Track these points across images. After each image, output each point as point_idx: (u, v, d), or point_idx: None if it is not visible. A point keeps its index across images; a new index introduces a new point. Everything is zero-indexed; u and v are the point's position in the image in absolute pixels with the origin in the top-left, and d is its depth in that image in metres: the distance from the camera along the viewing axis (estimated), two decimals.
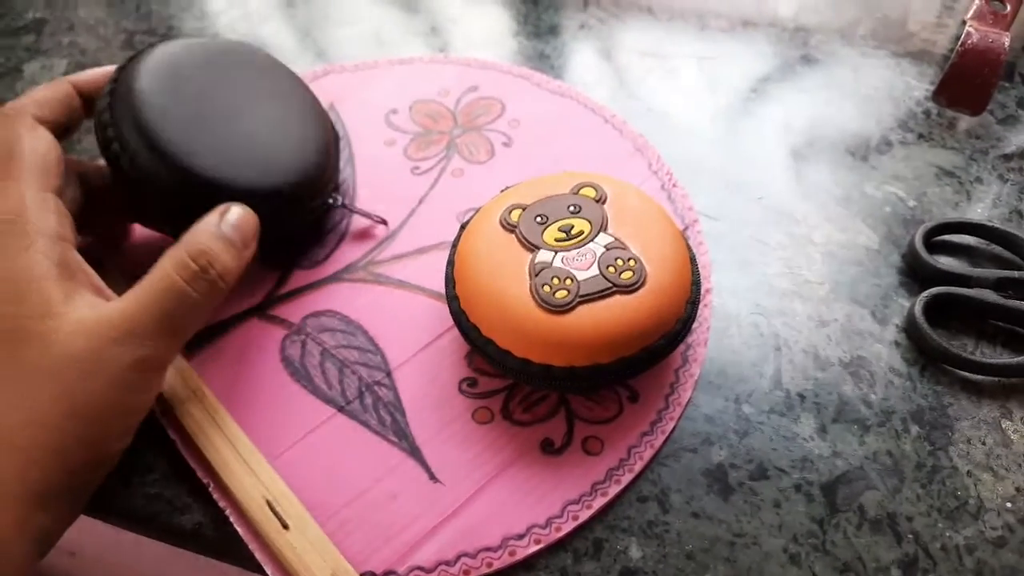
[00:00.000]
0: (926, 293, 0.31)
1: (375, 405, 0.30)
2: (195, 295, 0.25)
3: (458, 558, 0.26)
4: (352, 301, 0.32)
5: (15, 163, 0.25)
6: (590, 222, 0.28)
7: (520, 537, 0.26)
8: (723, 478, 0.28)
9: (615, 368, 0.26)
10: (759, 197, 0.36)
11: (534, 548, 0.26)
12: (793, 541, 0.27)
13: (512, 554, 0.26)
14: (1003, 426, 0.29)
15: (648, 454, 0.28)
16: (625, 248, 0.28)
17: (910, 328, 0.31)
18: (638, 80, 0.42)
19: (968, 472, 0.28)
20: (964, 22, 0.39)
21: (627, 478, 0.28)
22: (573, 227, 0.28)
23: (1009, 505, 0.27)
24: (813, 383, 0.30)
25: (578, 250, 0.28)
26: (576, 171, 0.31)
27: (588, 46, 0.43)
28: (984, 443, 0.29)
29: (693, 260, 0.29)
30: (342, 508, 0.27)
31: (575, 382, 0.27)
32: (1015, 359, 0.30)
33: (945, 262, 0.34)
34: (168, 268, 0.25)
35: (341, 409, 0.30)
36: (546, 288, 0.26)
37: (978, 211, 0.36)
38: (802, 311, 0.32)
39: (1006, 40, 0.37)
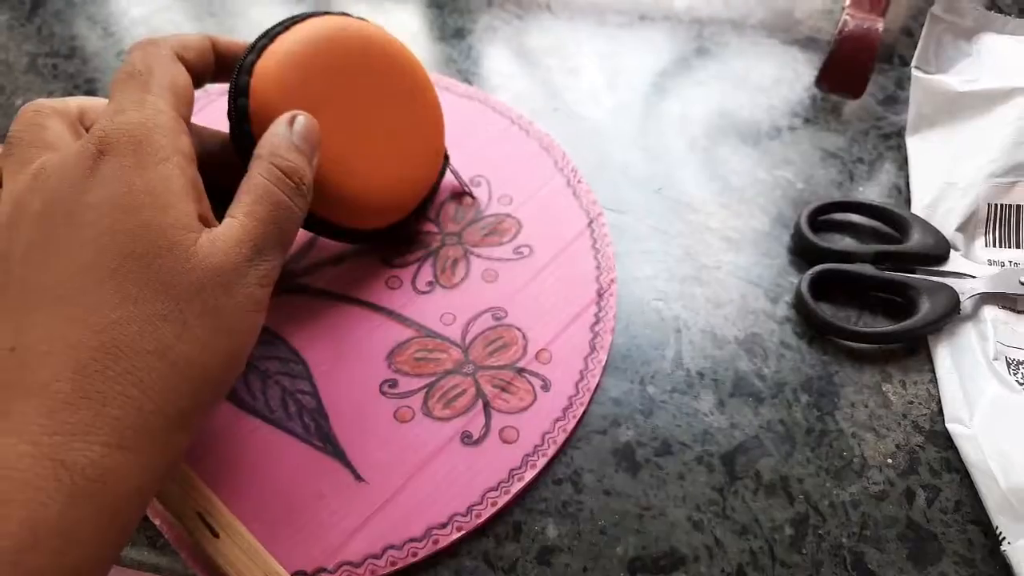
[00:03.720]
0: (810, 271, 0.34)
1: (299, 413, 0.31)
2: (296, 210, 0.26)
3: (384, 550, 0.28)
4: (273, 313, 0.33)
5: (155, 81, 0.25)
6: None
7: (443, 526, 0.28)
8: (631, 456, 0.30)
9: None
10: (658, 188, 0.38)
11: (456, 535, 0.28)
12: (696, 509, 0.29)
13: (436, 543, 0.28)
14: (883, 389, 0.32)
15: (561, 438, 0.30)
16: None
17: (798, 304, 0.34)
18: (543, 80, 0.43)
19: (853, 434, 0.31)
20: (843, 9, 0.41)
21: (542, 462, 0.30)
22: None
23: (890, 461, 0.30)
24: (711, 361, 0.33)
25: None
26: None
27: (493, 48, 0.45)
28: (867, 406, 0.32)
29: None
30: (272, 513, 0.28)
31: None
32: (892, 327, 0.33)
33: (829, 240, 0.36)
34: (269, 185, 0.25)
35: (266, 419, 0.31)
36: None
37: (860, 190, 0.39)
38: (700, 294, 0.35)
39: (880, 25, 0.40)
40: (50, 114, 0.26)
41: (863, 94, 0.41)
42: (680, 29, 0.46)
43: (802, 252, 0.36)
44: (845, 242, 0.36)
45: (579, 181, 0.38)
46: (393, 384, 0.31)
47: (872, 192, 0.38)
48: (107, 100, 0.26)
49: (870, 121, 0.41)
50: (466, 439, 0.30)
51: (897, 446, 0.30)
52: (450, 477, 0.29)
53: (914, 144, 0.39)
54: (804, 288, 0.33)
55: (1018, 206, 0.35)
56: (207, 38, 0.29)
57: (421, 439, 0.30)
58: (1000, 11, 0.45)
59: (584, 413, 0.31)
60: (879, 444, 0.31)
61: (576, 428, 0.31)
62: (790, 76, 0.43)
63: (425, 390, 0.31)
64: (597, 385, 0.32)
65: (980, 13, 0.40)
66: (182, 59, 0.28)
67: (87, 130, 0.27)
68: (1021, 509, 0.27)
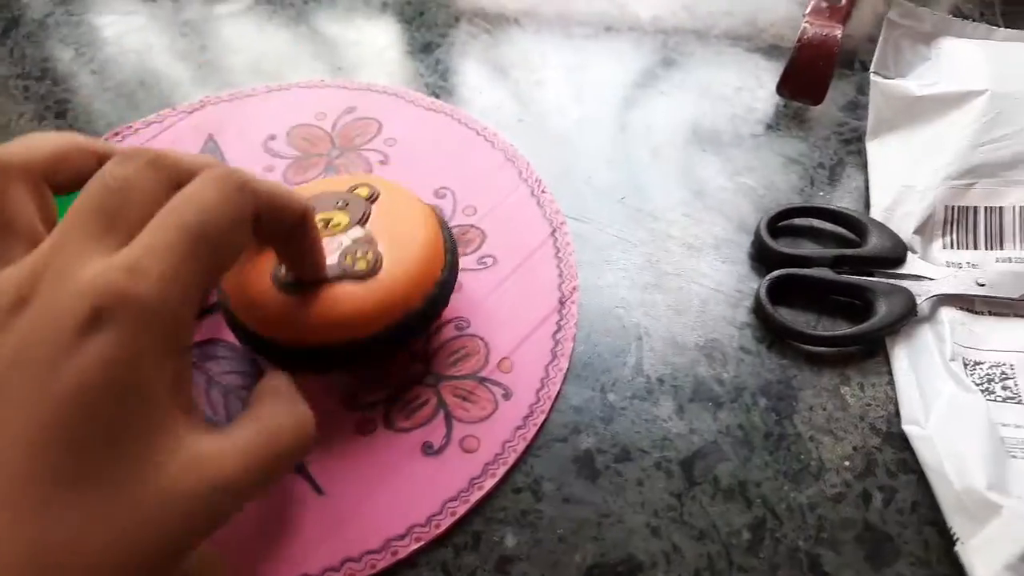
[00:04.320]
0: (769, 276, 0.34)
1: None
2: (290, 465, 0.24)
3: (343, 563, 0.28)
4: None
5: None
6: (351, 216, 0.30)
7: (401, 537, 0.28)
8: (591, 463, 0.30)
9: (346, 349, 0.28)
10: (622, 197, 0.39)
11: (415, 546, 0.28)
12: (654, 515, 0.29)
13: (394, 554, 0.28)
14: (841, 392, 0.32)
15: (521, 447, 0.30)
16: (372, 242, 0.30)
17: (757, 309, 0.34)
18: (509, 92, 0.43)
19: (810, 437, 0.31)
20: (804, 17, 0.42)
21: (502, 471, 0.30)
22: (332, 219, 0.30)
23: (847, 463, 0.30)
24: (672, 368, 0.33)
25: (328, 239, 0.29)
26: (371, 176, 0.33)
27: (461, 62, 0.45)
28: (825, 409, 0.32)
29: (449, 260, 0.31)
30: (232, 527, 0.28)
31: (313, 361, 0.29)
32: (849, 330, 0.33)
33: (790, 245, 0.37)
34: (285, 429, 0.23)
35: None
36: (283, 271, 0.28)
37: (821, 195, 0.39)
38: (662, 301, 0.35)
39: (839, 33, 0.40)
40: (14, 178, 0.21)
41: (824, 100, 0.41)
42: (645, 40, 0.46)
43: (762, 258, 0.36)
44: (805, 247, 0.37)
45: (543, 191, 0.39)
46: (355, 397, 0.32)
47: (834, 197, 0.39)
48: (78, 137, 0.22)
49: (832, 127, 0.42)
50: (427, 450, 0.30)
51: (854, 448, 0.31)
52: (410, 488, 0.29)
53: (874, 148, 0.39)
54: (762, 293, 0.34)
55: (974, 208, 0.35)
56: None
57: (383, 451, 0.30)
58: (962, 15, 0.45)
59: (545, 421, 0.31)
60: (836, 447, 0.31)
61: (536, 436, 0.31)
62: (753, 84, 0.44)
63: (388, 402, 0.32)
64: (558, 393, 0.32)
65: (939, 18, 0.41)
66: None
67: (58, 186, 0.23)
68: (974, 509, 0.27)
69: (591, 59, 0.45)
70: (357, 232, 0.30)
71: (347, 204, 0.31)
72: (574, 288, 0.35)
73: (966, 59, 0.38)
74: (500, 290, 0.35)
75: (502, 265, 0.36)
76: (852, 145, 0.41)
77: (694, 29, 0.47)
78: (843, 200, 0.39)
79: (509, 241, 0.37)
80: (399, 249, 0.30)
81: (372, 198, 0.32)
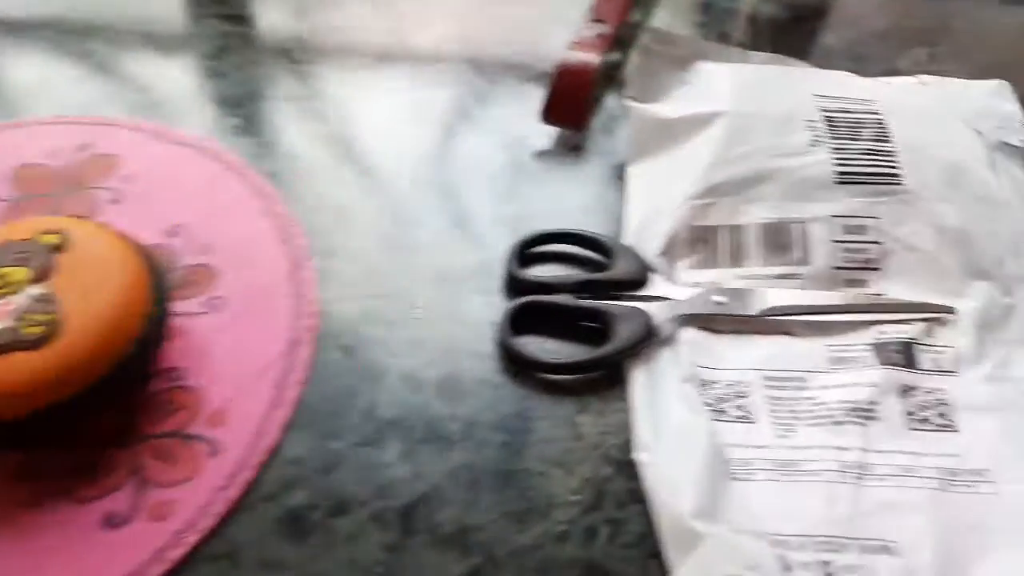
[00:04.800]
0: (510, 305, 0.33)
1: None
2: None
3: None
4: None
5: None
6: (30, 271, 0.27)
7: None
8: (302, 520, 0.28)
9: (12, 427, 0.26)
10: (377, 229, 0.37)
11: None
12: (363, 572, 0.27)
13: None
14: (577, 421, 0.31)
15: (223, 509, 0.28)
16: (53, 301, 0.27)
17: (499, 340, 0.33)
18: (268, 123, 0.41)
19: (542, 472, 0.29)
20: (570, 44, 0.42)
21: (194, 539, 0.27)
22: (4, 276, 0.27)
23: (576, 498, 0.29)
24: (405, 408, 0.31)
25: (3, 300, 0.27)
26: (62, 219, 0.30)
27: (219, 92, 0.43)
28: (559, 441, 0.30)
29: (156, 312, 0.29)
30: None
31: None
32: (585, 356, 0.32)
33: (542, 272, 0.36)
34: None
35: None
36: None
37: (585, 220, 0.38)
38: (405, 337, 0.33)
39: (597, 60, 0.40)
40: None
41: (587, 127, 0.41)
42: (421, 70, 0.45)
43: (511, 286, 0.35)
44: (559, 273, 0.36)
45: (290, 225, 0.36)
46: (32, 465, 0.28)
47: (595, 221, 0.38)
48: None
49: (600, 153, 0.41)
50: (110, 521, 0.27)
51: (585, 480, 0.29)
52: (83, 567, 0.26)
53: (633, 173, 0.39)
54: (503, 323, 0.32)
55: (716, 227, 0.35)
56: None
57: (57, 527, 0.27)
58: (728, 40, 0.46)
59: (256, 478, 0.29)
60: (567, 480, 0.29)
61: (244, 496, 0.28)
62: (526, 112, 0.43)
63: (73, 469, 0.28)
64: (276, 446, 0.29)
65: (695, 43, 0.41)
66: None
67: None
68: (680, 538, 0.26)
69: (362, 90, 0.43)
70: (36, 290, 0.27)
71: (27, 256, 0.28)
72: (310, 328, 0.33)
73: (714, 82, 0.39)
74: (226, 335, 0.32)
75: (232, 307, 0.33)
76: (619, 170, 0.40)
77: (471, 58, 0.46)
78: (605, 225, 0.38)
79: (244, 280, 0.34)
80: (86, 306, 0.27)
81: (60, 246, 0.28)
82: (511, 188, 0.39)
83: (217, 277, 0.34)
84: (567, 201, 0.39)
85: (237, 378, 0.31)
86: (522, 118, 0.43)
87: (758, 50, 0.46)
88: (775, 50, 0.45)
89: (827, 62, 0.47)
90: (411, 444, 0.30)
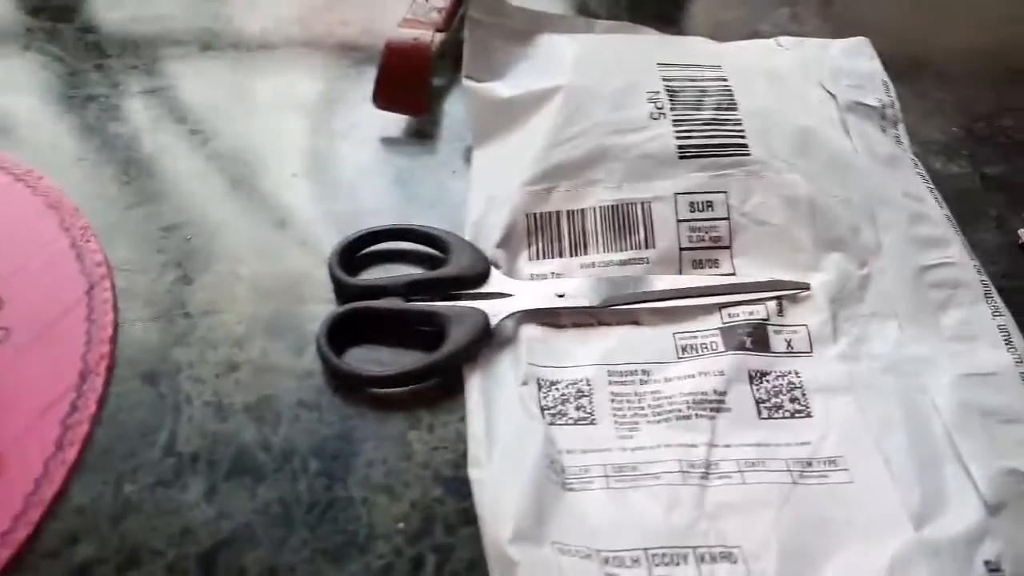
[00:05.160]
0: (331, 314, 0.30)
1: None
2: None
3: None
4: None
5: None
6: None
7: None
8: None
9: None
10: (188, 237, 0.33)
11: None
12: None
13: None
14: (408, 438, 0.28)
15: None
16: None
17: (319, 355, 0.29)
18: (74, 126, 0.37)
19: (364, 500, 0.27)
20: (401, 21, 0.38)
21: None
22: None
23: (401, 526, 0.26)
24: (211, 439, 0.28)
25: None
26: None
27: (18, 96, 0.38)
28: (386, 462, 0.27)
29: None
30: None
31: None
32: (413, 365, 0.29)
33: (380, 273, 0.33)
34: None
35: None
36: None
37: (429, 214, 0.35)
38: (212, 359, 0.30)
39: (431, 37, 0.37)
40: None
41: (425, 111, 0.38)
42: (248, 57, 0.41)
43: (339, 293, 0.32)
44: (394, 273, 0.33)
45: (88, 240, 0.32)
46: None
47: (441, 214, 0.35)
48: None
49: (451, 139, 0.38)
50: None
51: (412, 505, 0.27)
52: None
53: (476, 159, 0.36)
54: (321, 335, 0.29)
55: (556, 213, 0.32)
56: None
57: None
58: (588, 11, 0.44)
59: (36, 533, 0.25)
60: (392, 507, 0.26)
61: (21, 555, 0.25)
62: (360, 98, 0.39)
63: None
64: (60, 494, 0.26)
65: (531, 13, 0.38)
66: None
67: None
68: (500, 565, 0.23)
69: (180, 82, 0.40)
70: None
71: None
72: (104, 356, 0.29)
73: (555, 55, 0.36)
74: (8, 371, 0.28)
75: (16, 338, 0.29)
76: (469, 156, 0.38)
77: (306, 41, 0.42)
78: (454, 219, 0.35)
79: (31, 307, 0.30)
80: None
81: None
82: (345, 182, 0.36)
83: (2, 305, 0.30)
84: (412, 194, 0.36)
85: (18, 419, 0.27)
86: (362, 104, 0.39)
87: (619, 19, 0.43)
88: (637, 18, 0.43)
89: (687, 28, 0.45)
90: (216, 480, 0.27)
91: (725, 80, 0.35)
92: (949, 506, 0.26)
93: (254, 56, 0.41)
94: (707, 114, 0.33)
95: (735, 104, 0.34)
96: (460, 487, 0.27)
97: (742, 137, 0.33)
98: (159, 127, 0.37)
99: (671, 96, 0.34)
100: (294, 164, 0.36)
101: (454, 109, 0.40)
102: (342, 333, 0.30)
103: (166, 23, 0.42)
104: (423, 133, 0.39)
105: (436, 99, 0.40)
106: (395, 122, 0.39)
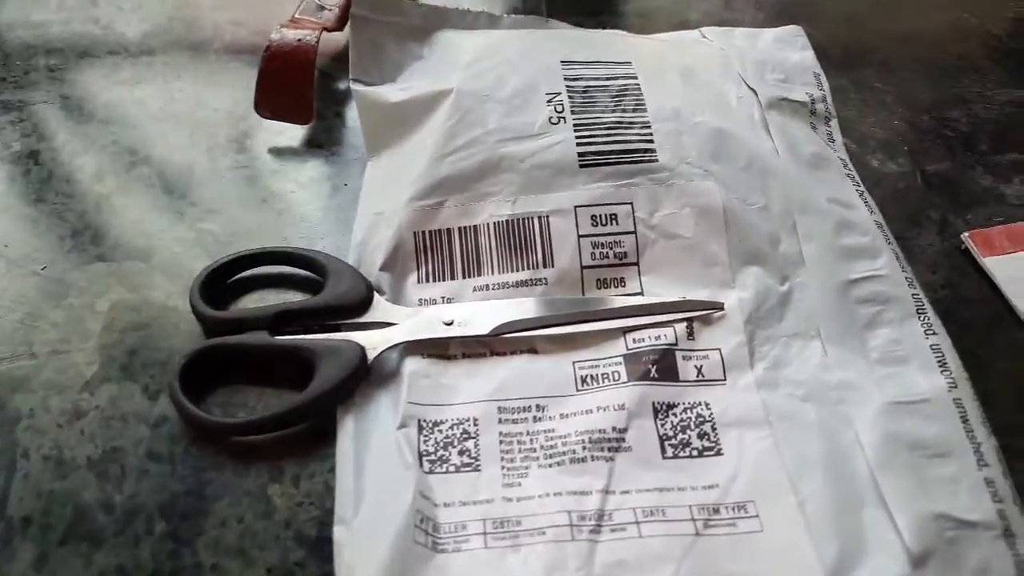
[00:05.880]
0: (185, 353, 0.27)
1: None
2: None
3: None
4: None
5: None
6: None
7: None
8: None
9: None
10: (41, 268, 0.30)
11: None
12: None
13: None
14: (269, 492, 0.25)
15: None
16: None
17: (173, 399, 0.26)
18: None
19: (213, 566, 0.24)
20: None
21: None
22: None
23: None
24: (47, 499, 0.25)
25: None
26: None
27: None
28: (242, 521, 0.24)
29: None
30: None
31: None
32: (284, 407, 0.26)
33: (255, 302, 0.29)
34: None
35: None
36: None
37: (299, 233, 0.32)
38: (56, 406, 0.27)
39: (316, 38, 0.34)
40: None
41: (310, 119, 0.34)
42: (127, 64, 0.38)
43: (202, 326, 0.29)
44: (268, 302, 0.30)
45: None
46: None
47: (330, 233, 0.32)
48: None
49: (344, 150, 0.35)
50: None
51: (269, 571, 0.24)
52: None
53: (368, 171, 0.33)
54: (174, 378, 0.26)
55: (447, 230, 0.29)
56: None
57: None
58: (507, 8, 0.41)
59: None
60: (245, 573, 0.23)
61: None
62: (249, 106, 0.36)
63: None
64: None
65: (427, 8, 0.35)
66: None
67: None
68: None
69: (51, 95, 0.36)
70: None
71: None
72: None
73: (448, 55, 0.33)
74: None
75: None
76: (355, 166, 0.34)
77: (192, 45, 0.39)
78: (339, 239, 0.32)
79: None
80: None
81: None
82: (216, 199, 0.33)
83: None
84: (300, 212, 0.33)
85: None
86: (250, 113, 0.36)
87: (538, 12, 0.40)
88: (556, 10, 0.40)
89: (610, 20, 0.42)
90: (48, 547, 0.24)
91: (635, 78, 0.32)
92: (869, 557, 0.23)
93: (135, 62, 0.38)
94: (612, 117, 0.30)
95: (643, 105, 0.31)
96: (325, 548, 0.24)
97: (650, 141, 0.30)
98: (9, 142, 0.34)
99: (573, 98, 0.31)
100: (164, 181, 0.33)
101: (354, 116, 0.36)
102: (201, 373, 0.27)
103: (40, 30, 0.39)
104: (317, 143, 0.35)
105: (336, 106, 0.37)
106: (288, 132, 0.35)
